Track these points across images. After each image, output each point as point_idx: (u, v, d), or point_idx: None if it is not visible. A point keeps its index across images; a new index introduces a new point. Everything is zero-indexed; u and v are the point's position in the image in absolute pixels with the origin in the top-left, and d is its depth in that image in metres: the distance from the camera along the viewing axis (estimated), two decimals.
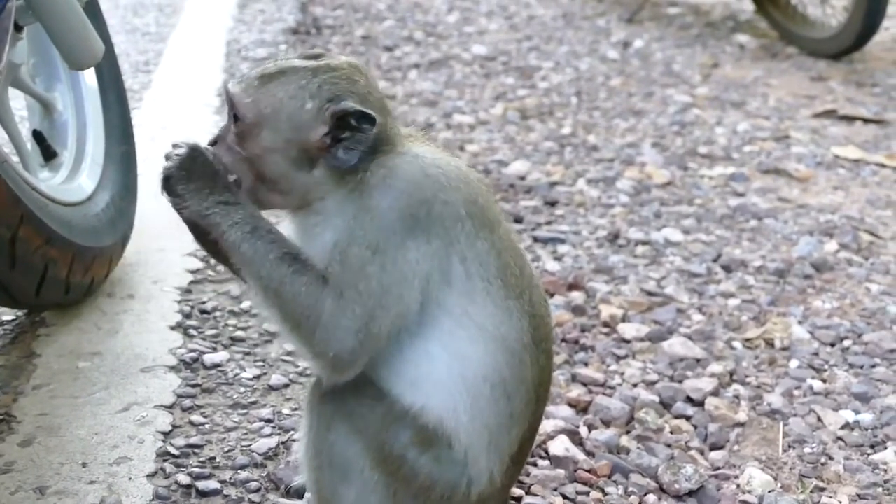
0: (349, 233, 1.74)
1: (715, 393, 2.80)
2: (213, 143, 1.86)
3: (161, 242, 3.31)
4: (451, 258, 1.77)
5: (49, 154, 2.91)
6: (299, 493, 2.18)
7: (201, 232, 1.82)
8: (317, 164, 1.78)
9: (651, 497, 2.38)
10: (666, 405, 2.74)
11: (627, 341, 3.06)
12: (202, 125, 4.51)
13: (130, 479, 2.22)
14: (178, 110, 4.66)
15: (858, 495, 2.45)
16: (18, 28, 2.62)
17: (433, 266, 1.75)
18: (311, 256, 1.76)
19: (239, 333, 2.85)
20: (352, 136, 1.77)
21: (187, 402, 2.51)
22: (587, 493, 2.38)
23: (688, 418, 2.70)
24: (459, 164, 1.87)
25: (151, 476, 2.24)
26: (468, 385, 1.79)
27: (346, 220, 1.76)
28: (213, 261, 3.19)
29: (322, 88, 1.78)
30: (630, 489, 2.40)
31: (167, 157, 1.82)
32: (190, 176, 1.78)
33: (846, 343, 3.13)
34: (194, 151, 1.80)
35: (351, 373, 1.77)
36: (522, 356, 1.83)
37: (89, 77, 3.14)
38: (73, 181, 2.93)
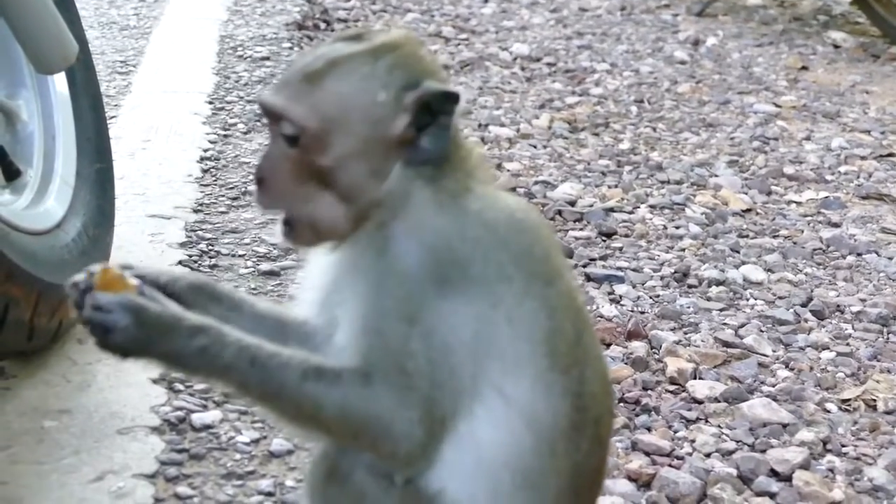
0: (376, 304, 1.76)
1: (805, 465, 2.78)
2: (260, 180, 1.84)
3: None
4: (496, 320, 1.78)
5: (11, 173, 2.94)
6: None
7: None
8: (395, 162, 1.81)
9: None
10: (746, 480, 2.73)
11: (699, 402, 3.05)
12: (190, 137, 4.55)
13: None
14: (163, 120, 4.70)
15: None
16: None
17: (477, 330, 1.77)
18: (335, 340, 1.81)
19: None
20: (436, 121, 1.79)
21: (172, 471, 2.52)
22: None
23: (772, 496, 2.69)
24: (512, 204, 1.88)
25: None
26: (487, 471, 1.79)
27: (369, 284, 1.77)
28: None
29: (393, 73, 1.80)
30: None
31: (98, 324, 1.76)
32: (147, 339, 1.76)
33: None
34: (138, 310, 1.75)
35: (427, 463, 1.79)
36: (555, 444, 1.81)
37: (59, 82, 3.18)
38: (40, 205, 2.96)
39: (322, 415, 1.75)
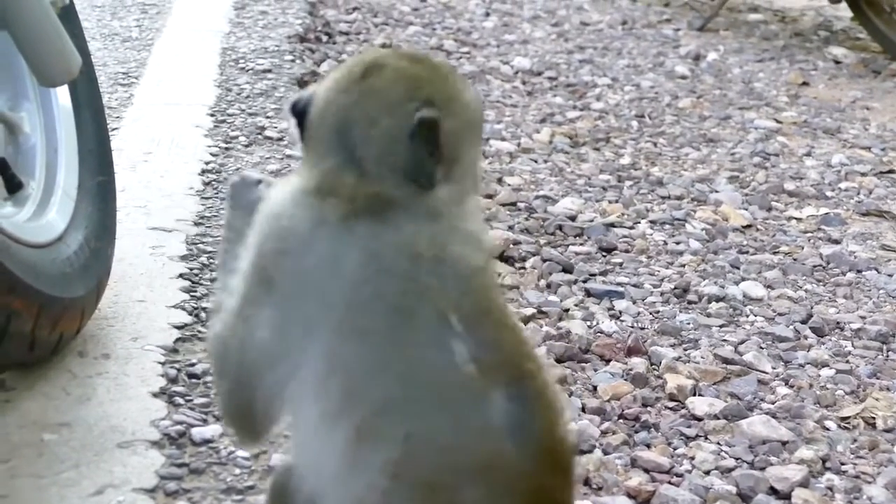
0: (237, 274, 1.82)
1: (804, 483, 2.79)
2: None
3: (142, 292, 3.34)
4: (283, 342, 1.71)
5: (13, 185, 2.94)
6: None
7: None
8: None
9: None
10: (745, 497, 2.73)
11: (698, 419, 3.05)
12: (192, 150, 4.56)
13: None
14: (164, 132, 4.71)
15: None
16: None
17: (271, 343, 1.72)
18: None
19: None
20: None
21: (172, 486, 2.52)
22: None
23: None
24: (414, 233, 1.68)
25: None
26: None
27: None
28: (203, 315, 3.23)
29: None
30: None
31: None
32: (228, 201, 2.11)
33: None
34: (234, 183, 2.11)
35: (248, 441, 1.89)
36: None
37: (62, 94, 3.19)
38: (42, 218, 2.96)
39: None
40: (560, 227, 4.22)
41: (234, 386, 1.80)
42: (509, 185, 4.61)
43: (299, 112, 1.77)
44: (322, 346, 1.65)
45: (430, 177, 1.68)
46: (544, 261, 3.90)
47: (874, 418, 3.11)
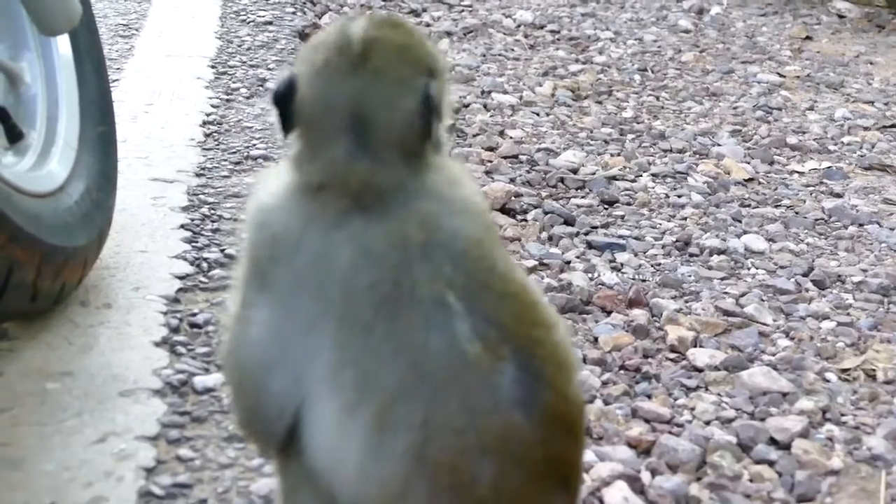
0: None
1: (804, 434, 2.80)
2: None
3: (143, 242, 3.34)
4: (303, 350, 1.69)
5: (14, 135, 2.94)
6: None
7: None
8: None
9: None
10: (745, 447, 2.74)
11: (699, 370, 3.06)
12: (193, 101, 4.55)
13: None
14: (165, 84, 4.70)
15: None
16: None
17: (280, 344, 1.70)
18: None
19: None
20: None
21: (174, 434, 2.53)
22: None
23: (771, 464, 2.70)
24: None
25: None
26: None
27: None
28: (205, 265, 3.23)
29: None
30: None
31: None
32: None
33: None
34: None
35: (265, 447, 1.84)
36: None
37: (62, 44, 3.18)
38: (43, 168, 2.96)
39: None
40: (562, 180, 4.22)
41: (239, 391, 1.78)
42: (511, 137, 4.61)
43: (282, 100, 1.69)
44: (328, 340, 1.64)
45: (440, 144, 1.67)
46: (546, 213, 3.90)
47: (874, 370, 3.12)
